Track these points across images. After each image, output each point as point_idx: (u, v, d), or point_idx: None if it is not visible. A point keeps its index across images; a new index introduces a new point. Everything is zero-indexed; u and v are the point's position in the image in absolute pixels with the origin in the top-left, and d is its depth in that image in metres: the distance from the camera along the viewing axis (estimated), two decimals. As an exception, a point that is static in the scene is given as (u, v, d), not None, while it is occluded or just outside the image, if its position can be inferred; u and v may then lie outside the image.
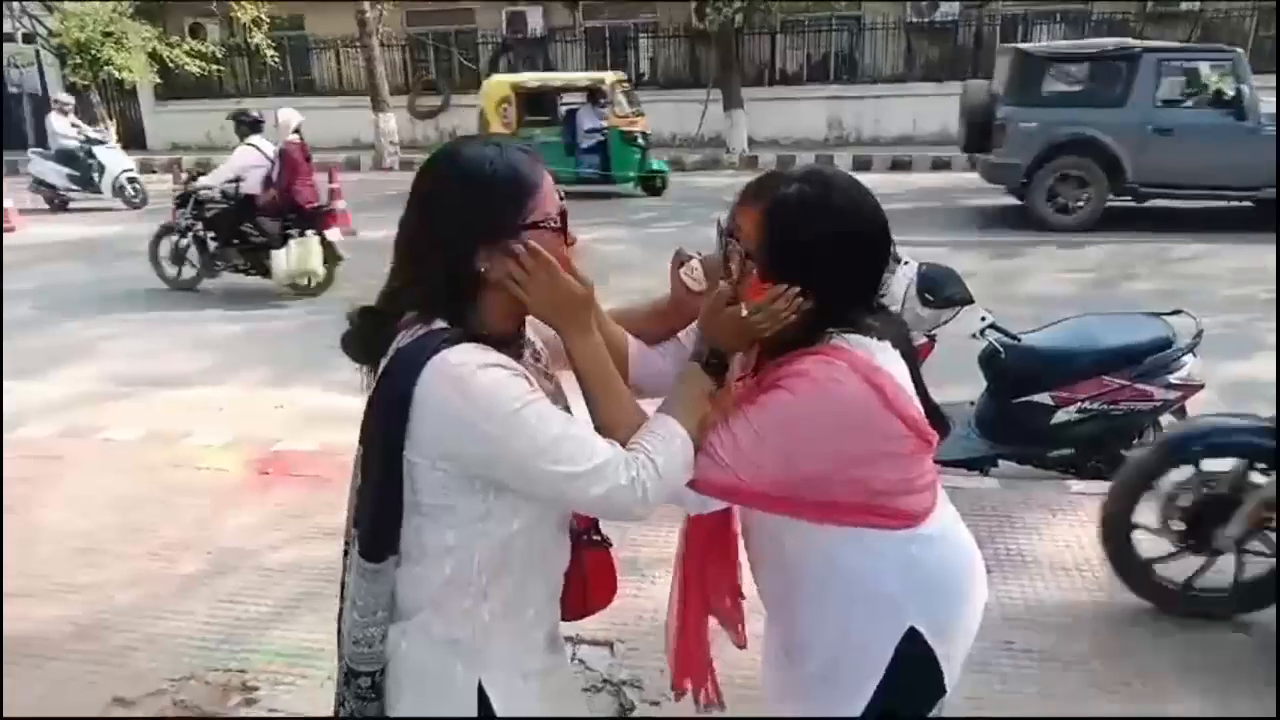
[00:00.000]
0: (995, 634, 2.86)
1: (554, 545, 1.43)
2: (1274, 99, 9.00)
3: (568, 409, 1.36)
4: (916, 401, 1.44)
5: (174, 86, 18.36)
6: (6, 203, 11.30)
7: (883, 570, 1.45)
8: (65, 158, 13.17)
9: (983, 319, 3.82)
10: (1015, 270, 7.90)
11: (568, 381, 1.42)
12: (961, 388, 4.44)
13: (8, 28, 18.47)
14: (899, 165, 14.67)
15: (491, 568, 1.33)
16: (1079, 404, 3.86)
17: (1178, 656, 2.76)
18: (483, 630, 1.34)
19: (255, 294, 7.93)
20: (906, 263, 3.96)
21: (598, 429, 1.33)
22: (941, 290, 3.82)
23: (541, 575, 1.42)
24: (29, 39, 18.24)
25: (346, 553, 1.41)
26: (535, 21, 18.79)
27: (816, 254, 1.38)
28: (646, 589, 3.11)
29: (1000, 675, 2.69)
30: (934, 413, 1.50)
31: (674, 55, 18.55)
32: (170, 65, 16.84)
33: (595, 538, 1.56)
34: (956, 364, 4.31)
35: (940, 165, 14.02)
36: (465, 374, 1.22)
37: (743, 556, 1.75)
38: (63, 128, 13.31)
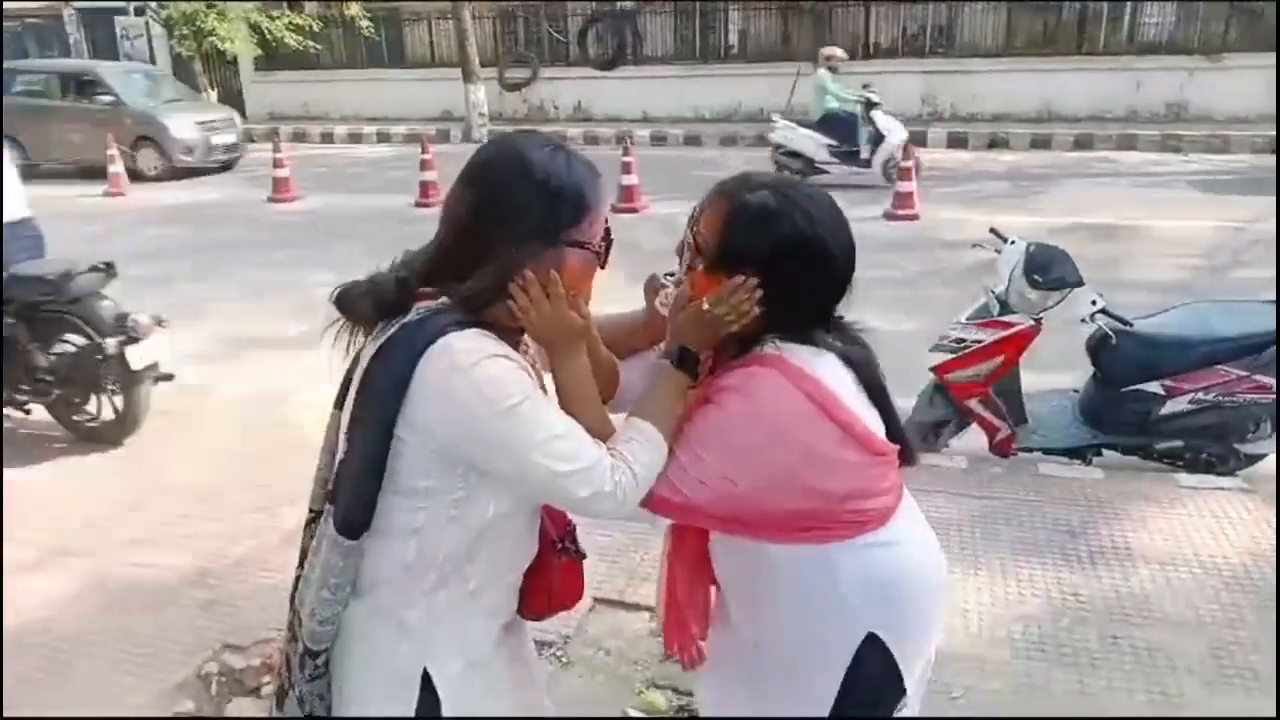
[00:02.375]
0: (1099, 628, 2.78)
1: (523, 540, 1.44)
2: None
3: None
4: (861, 413, 1.43)
5: (273, 58, 18.83)
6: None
7: (839, 577, 1.44)
8: (831, 124, 10.31)
9: (1093, 303, 3.67)
10: (1119, 254, 7.59)
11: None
12: (1064, 374, 4.31)
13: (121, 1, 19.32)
14: (996, 143, 14.10)
15: (456, 556, 1.33)
16: (1191, 394, 3.71)
17: (1295, 660, 2.65)
18: (435, 616, 1.34)
19: None
20: (1014, 242, 3.85)
21: None
22: (1050, 271, 3.70)
23: (506, 567, 1.42)
24: (139, 11, 19.01)
25: (312, 521, 1.40)
26: (625, -6, 18.70)
27: (759, 262, 1.39)
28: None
29: (1106, 672, 2.61)
30: (900, 436, 1.50)
31: (765, 28, 18.25)
32: (269, 37, 17.33)
33: (569, 545, 1.55)
34: (1058, 349, 4.18)
35: (1040, 144, 13.50)
36: (472, 361, 1.24)
37: None
38: (836, 88, 10.53)
